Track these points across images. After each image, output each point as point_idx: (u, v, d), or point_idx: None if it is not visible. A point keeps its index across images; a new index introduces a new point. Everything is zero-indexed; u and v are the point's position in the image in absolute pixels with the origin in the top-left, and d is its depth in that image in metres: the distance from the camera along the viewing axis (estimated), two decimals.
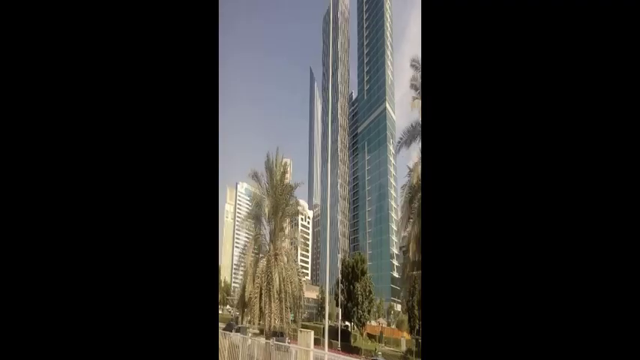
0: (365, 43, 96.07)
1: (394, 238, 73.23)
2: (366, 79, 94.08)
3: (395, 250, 73.32)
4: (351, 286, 41.26)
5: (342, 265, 45.29)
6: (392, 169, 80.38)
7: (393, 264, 70.61)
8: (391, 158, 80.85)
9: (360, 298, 40.43)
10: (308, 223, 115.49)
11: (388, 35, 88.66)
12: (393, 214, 74.43)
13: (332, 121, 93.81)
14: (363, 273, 42.20)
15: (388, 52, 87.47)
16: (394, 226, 73.45)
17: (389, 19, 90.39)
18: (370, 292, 41.85)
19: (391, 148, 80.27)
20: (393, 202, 76.89)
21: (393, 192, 78.37)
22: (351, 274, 41.84)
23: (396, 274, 65.94)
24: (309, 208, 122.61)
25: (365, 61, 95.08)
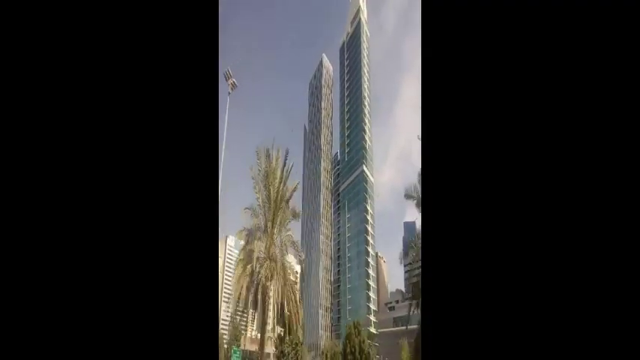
0: (346, 110, 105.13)
1: (372, 294, 77.10)
2: (347, 142, 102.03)
3: (373, 307, 76.86)
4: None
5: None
6: (369, 227, 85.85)
7: (370, 319, 73.89)
8: (368, 217, 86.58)
9: None
10: (296, 279, 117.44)
11: (366, 104, 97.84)
12: (371, 272, 78.76)
13: (316, 180, 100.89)
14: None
15: (366, 120, 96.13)
16: (372, 283, 77.62)
17: (367, 90, 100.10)
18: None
19: (368, 208, 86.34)
20: (370, 260, 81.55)
21: (370, 249, 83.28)
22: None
23: (373, 330, 69.12)
24: (298, 263, 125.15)
25: (346, 126, 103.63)
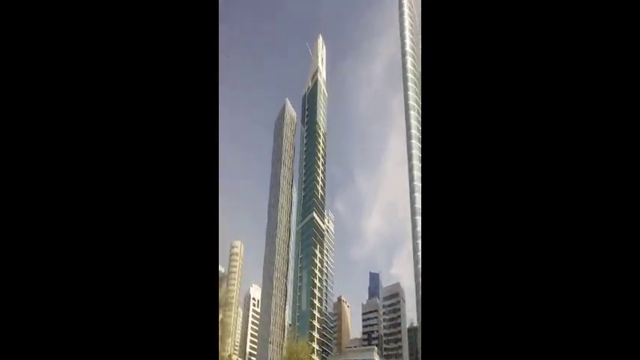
0: (303, 157, 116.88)
1: (315, 334, 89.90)
2: (302, 187, 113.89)
3: (316, 346, 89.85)
4: None
5: None
6: (316, 270, 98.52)
7: None
8: (316, 260, 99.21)
9: None
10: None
11: (320, 157, 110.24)
12: (315, 320, 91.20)
13: (275, 214, 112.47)
14: None
15: (319, 171, 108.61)
16: (316, 323, 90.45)
17: (321, 143, 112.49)
18: None
19: (316, 251, 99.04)
20: (316, 301, 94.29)
21: (316, 291, 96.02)
22: None
23: None
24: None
25: (303, 172, 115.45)
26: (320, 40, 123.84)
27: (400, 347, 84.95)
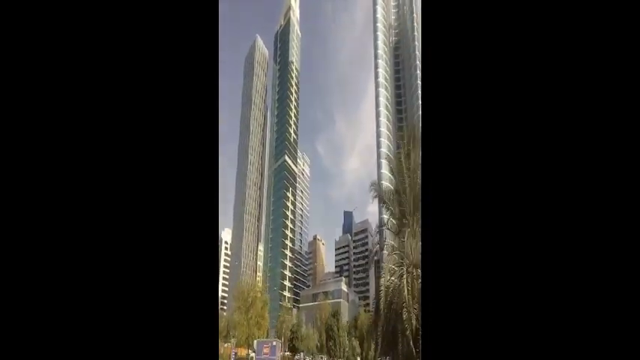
0: (275, 99, 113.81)
1: (287, 272, 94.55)
2: (275, 129, 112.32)
3: (288, 283, 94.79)
4: None
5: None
6: (288, 212, 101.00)
7: (284, 295, 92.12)
8: (288, 203, 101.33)
9: None
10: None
11: (293, 99, 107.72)
12: (287, 260, 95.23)
13: (245, 156, 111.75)
14: None
15: (292, 113, 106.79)
16: (288, 262, 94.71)
17: (294, 85, 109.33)
18: None
19: (288, 194, 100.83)
20: (287, 242, 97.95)
21: (288, 232, 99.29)
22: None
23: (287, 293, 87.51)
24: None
25: (275, 113, 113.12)
26: None
27: (367, 276, 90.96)
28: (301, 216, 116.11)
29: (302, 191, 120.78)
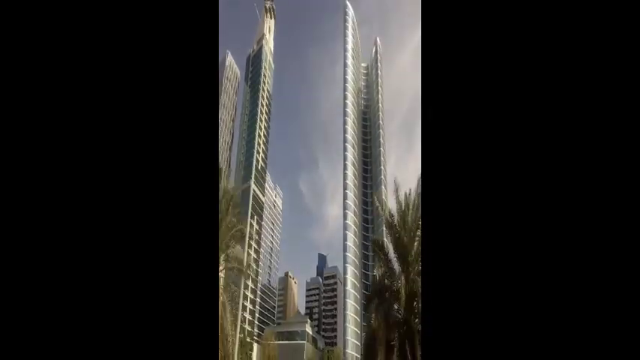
0: (246, 120, 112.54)
1: (247, 315, 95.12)
2: (243, 151, 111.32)
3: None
4: None
5: None
6: (252, 242, 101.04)
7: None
8: (251, 231, 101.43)
9: None
10: None
11: (262, 127, 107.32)
12: (249, 284, 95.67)
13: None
14: None
15: (261, 142, 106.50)
16: (249, 294, 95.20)
17: (265, 113, 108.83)
18: None
19: (252, 222, 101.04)
20: (249, 282, 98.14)
21: (247, 259, 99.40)
22: None
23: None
24: None
25: (244, 136, 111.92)
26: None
27: (335, 322, 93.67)
28: (271, 248, 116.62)
29: (273, 223, 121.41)
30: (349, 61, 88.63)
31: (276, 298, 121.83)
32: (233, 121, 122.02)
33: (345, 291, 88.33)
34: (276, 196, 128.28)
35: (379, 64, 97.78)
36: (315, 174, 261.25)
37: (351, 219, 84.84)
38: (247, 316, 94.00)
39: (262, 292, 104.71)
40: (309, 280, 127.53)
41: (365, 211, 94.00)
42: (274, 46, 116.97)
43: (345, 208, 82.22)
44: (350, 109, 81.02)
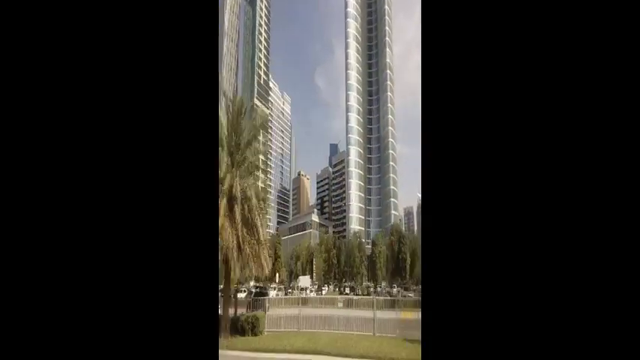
0: (249, 41, 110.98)
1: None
2: (247, 74, 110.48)
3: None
4: None
5: None
6: (260, 156, 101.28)
7: None
8: (258, 145, 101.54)
9: None
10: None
11: (262, 40, 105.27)
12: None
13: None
14: None
15: (261, 55, 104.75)
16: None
17: (264, 25, 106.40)
18: None
19: (258, 137, 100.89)
20: (259, 183, 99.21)
21: (259, 173, 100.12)
22: None
23: None
24: None
25: (247, 56, 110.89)
26: None
27: (344, 204, 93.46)
28: (281, 154, 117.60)
29: (282, 130, 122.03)
30: None
31: (290, 199, 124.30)
32: (237, 46, 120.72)
33: (347, 172, 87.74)
34: (284, 104, 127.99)
35: None
36: (330, 65, 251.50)
37: (355, 99, 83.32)
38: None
39: (278, 195, 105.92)
40: (319, 173, 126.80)
41: (369, 83, 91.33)
42: None
43: (347, 89, 79.56)
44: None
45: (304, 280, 33.97)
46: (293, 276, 53.86)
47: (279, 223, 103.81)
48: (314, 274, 52.34)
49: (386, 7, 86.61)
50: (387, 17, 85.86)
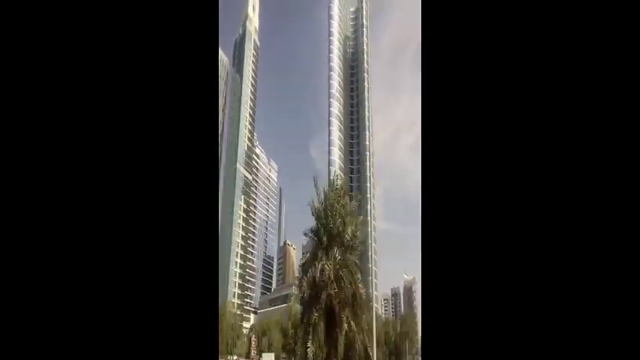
0: (235, 106, 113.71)
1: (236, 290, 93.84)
2: (229, 138, 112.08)
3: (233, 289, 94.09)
4: None
5: None
6: (236, 218, 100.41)
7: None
8: (237, 210, 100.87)
9: None
10: None
11: (247, 113, 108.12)
12: (233, 266, 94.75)
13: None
14: None
15: (246, 123, 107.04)
16: (236, 279, 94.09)
17: (251, 94, 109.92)
18: None
19: (241, 203, 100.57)
20: (238, 258, 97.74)
21: (235, 238, 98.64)
22: None
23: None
24: None
25: (234, 121, 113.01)
26: None
27: None
28: (266, 222, 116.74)
29: (267, 197, 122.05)
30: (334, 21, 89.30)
31: (274, 268, 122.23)
32: (223, 110, 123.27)
33: None
34: (270, 171, 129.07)
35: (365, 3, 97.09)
36: (323, 139, 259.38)
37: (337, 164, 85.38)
38: (237, 290, 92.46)
39: (263, 264, 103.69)
40: (304, 243, 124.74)
41: (351, 161, 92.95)
42: (260, 22, 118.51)
43: (329, 164, 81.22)
44: (335, 63, 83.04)
45: (267, 358, 32.69)
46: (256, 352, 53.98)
47: (262, 294, 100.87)
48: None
49: (366, 93, 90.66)
50: (366, 102, 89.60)
